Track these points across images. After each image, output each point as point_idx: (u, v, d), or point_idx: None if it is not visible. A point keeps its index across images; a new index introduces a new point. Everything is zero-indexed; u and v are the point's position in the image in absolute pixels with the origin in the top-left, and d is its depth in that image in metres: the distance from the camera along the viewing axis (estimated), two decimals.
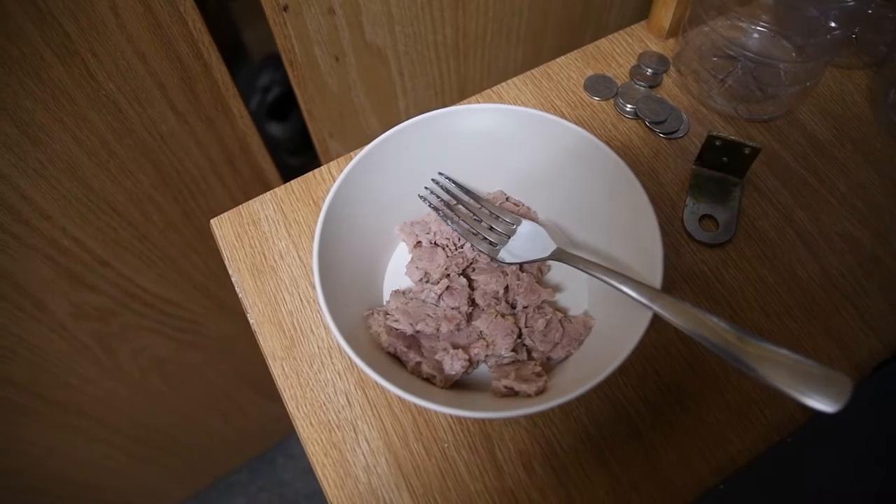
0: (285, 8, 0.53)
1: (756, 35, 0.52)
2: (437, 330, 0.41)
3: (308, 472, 1.40)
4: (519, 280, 0.43)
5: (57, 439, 0.85)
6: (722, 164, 0.49)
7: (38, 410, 0.78)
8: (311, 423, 0.42)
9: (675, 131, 0.52)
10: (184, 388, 0.96)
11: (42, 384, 0.75)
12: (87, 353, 0.76)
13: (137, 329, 0.78)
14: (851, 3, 0.49)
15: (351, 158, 0.49)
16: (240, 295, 0.47)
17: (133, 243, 0.68)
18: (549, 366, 0.41)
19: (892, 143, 0.52)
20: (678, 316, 0.34)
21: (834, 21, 0.50)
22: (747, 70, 0.52)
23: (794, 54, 0.52)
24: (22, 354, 0.69)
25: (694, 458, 0.40)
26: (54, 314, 0.68)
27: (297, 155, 1.06)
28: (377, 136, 0.43)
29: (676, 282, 0.46)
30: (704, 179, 0.50)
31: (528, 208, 0.47)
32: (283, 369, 0.43)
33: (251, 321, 0.45)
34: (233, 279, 0.47)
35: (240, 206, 0.50)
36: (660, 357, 0.43)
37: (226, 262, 0.48)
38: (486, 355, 0.41)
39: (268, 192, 0.50)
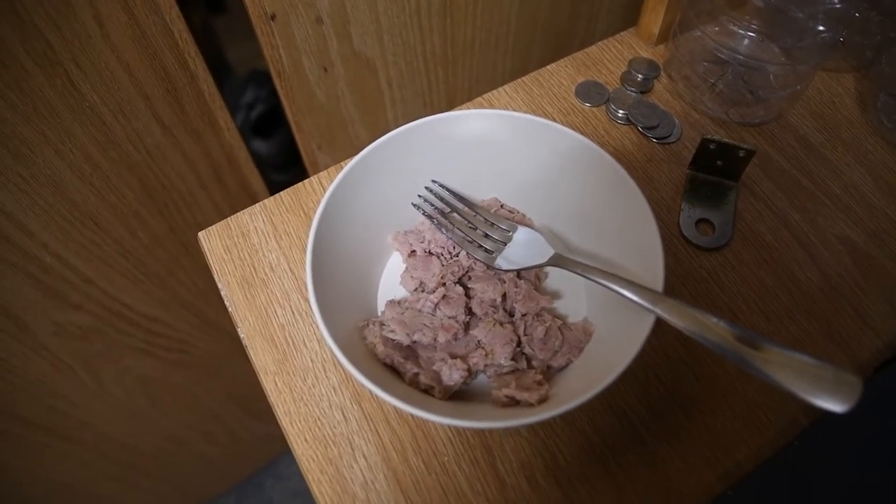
0: (273, 17, 0.53)
1: (746, 39, 0.52)
2: (435, 340, 0.40)
3: (298, 494, 1.37)
4: (517, 287, 0.42)
5: (39, 464, 0.83)
6: (716, 168, 0.49)
7: (19, 434, 0.75)
8: (305, 440, 0.40)
9: (668, 136, 0.52)
10: (171, 409, 0.94)
11: (23, 407, 0.73)
12: (71, 374, 0.74)
13: (122, 349, 0.77)
14: (838, 6, 0.49)
15: (342, 168, 0.48)
16: (230, 309, 0.45)
17: (118, 260, 0.66)
18: (549, 374, 0.40)
19: (884, 145, 0.52)
20: (682, 319, 0.33)
21: (822, 24, 0.50)
22: (738, 74, 0.52)
23: (783, 58, 0.52)
24: (2, 376, 0.67)
25: (700, 465, 0.39)
26: (36, 334, 0.66)
27: (281, 171, 1.05)
28: (366, 147, 0.42)
29: (675, 286, 0.45)
30: (699, 183, 0.49)
31: (524, 215, 0.46)
32: (276, 384, 0.42)
33: (241, 335, 0.44)
34: (222, 293, 0.46)
35: (228, 219, 0.49)
36: (661, 363, 0.42)
37: (214, 275, 0.47)
38: (485, 365, 0.40)
39: (257, 204, 0.49)
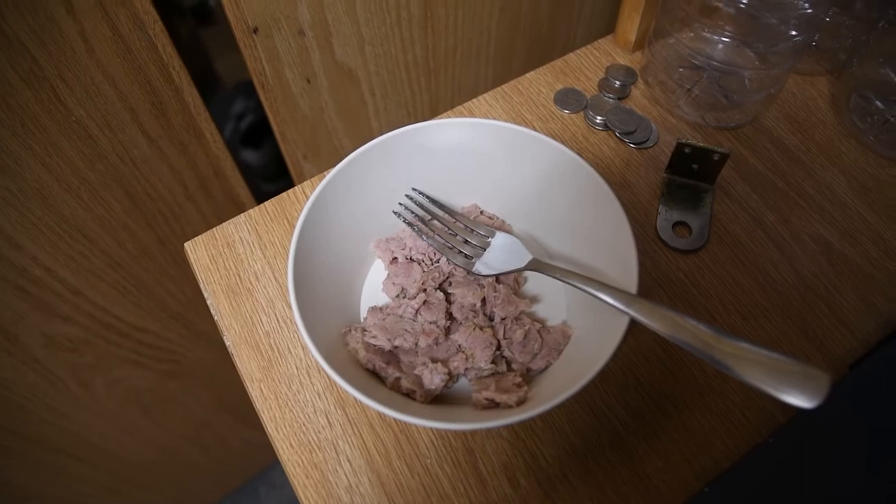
0: (255, 30, 0.54)
1: (720, 45, 0.53)
2: (416, 345, 0.41)
3: (292, 501, 1.37)
4: (496, 292, 0.43)
5: (33, 478, 0.83)
6: (692, 172, 0.50)
7: (11, 448, 0.76)
8: (291, 445, 0.41)
9: (645, 141, 0.53)
10: (163, 419, 0.94)
11: (15, 420, 0.73)
12: (62, 386, 0.74)
13: (113, 360, 0.77)
14: (809, 11, 0.50)
15: (325, 177, 0.49)
16: (215, 318, 0.46)
17: (106, 272, 0.67)
18: (529, 377, 0.41)
19: (856, 146, 0.53)
20: (655, 319, 0.34)
21: (794, 29, 0.51)
22: (713, 79, 0.53)
23: (757, 62, 0.53)
24: None
25: (678, 464, 0.40)
26: (26, 347, 0.67)
27: (272, 181, 1.06)
28: (347, 157, 0.43)
29: (653, 289, 0.46)
30: (676, 187, 0.50)
31: (503, 221, 0.47)
32: (262, 391, 0.43)
33: (227, 343, 0.45)
34: (208, 302, 0.47)
35: (214, 229, 0.49)
36: (640, 364, 0.43)
37: (201, 285, 0.47)
38: (466, 368, 0.41)
39: (242, 214, 0.50)
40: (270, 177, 1.07)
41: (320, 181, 0.49)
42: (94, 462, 0.90)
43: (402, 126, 0.44)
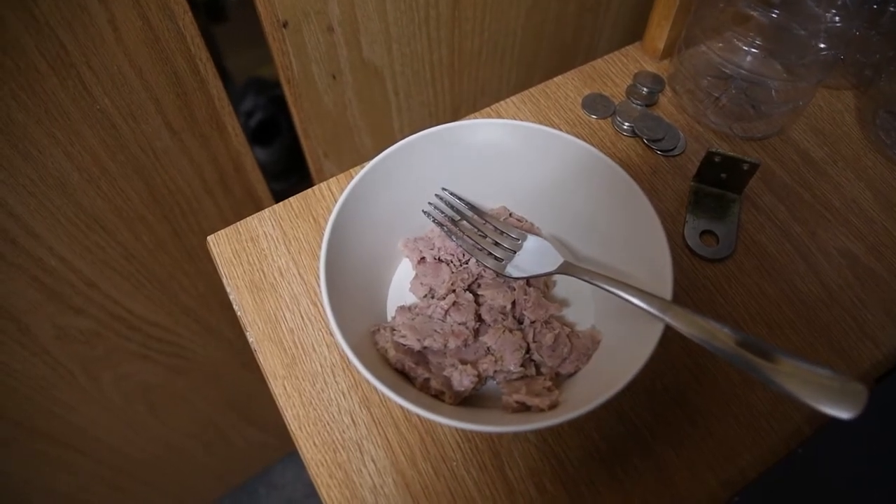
0: (285, 24, 0.53)
1: (749, 56, 0.53)
2: (445, 346, 0.40)
3: (292, 501, 1.37)
4: (526, 295, 0.43)
5: (37, 470, 0.82)
6: (720, 181, 0.50)
7: (17, 439, 0.75)
8: (314, 444, 0.40)
9: (673, 149, 0.53)
10: (168, 415, 0.93)
11: (22, 412, 0.72)
12: (71, 378, 0.73)
13: (123, 353, 0.76)
14: (839, 24, 0.50)
15: (352, 175, 0.49)
16: (238, 313, 0.46)
17: (121, 264, 0.66)
18: (557, 381, 0.41)
19: (883, 161, 0.53)
20: (691, 327, 0.34)
21: (823, 42, 0.51)
22: (741, 89, 0.53)
23: (785, 74, 0.53)
24: (3, 380, 0.67)
25: (705, 473, 0.39)
26: (38, 338, 0.66)
27: (279, 180, 1.06)
28: (371, 156, 0.42)
29: (679, 296, 0.46)
30: (703, 195, 0.50)
31: (532, 224, 0.47)
32: (285, 388, 0.42)
33: (250, 339, 0.44)
34: (231, 297, 0.46)
35: (237, 223, 0.49)
36: (666, 371, 0.43)
37: (223, 279, 0.47)
38: (495, 371, 0.40)
39: (266, 209, 0.50)
40: (278, 175, 1.06)
41: (346, 179, 0.48)
42: (98, 457, 0.89)
43: (423, 126, 0.43)
